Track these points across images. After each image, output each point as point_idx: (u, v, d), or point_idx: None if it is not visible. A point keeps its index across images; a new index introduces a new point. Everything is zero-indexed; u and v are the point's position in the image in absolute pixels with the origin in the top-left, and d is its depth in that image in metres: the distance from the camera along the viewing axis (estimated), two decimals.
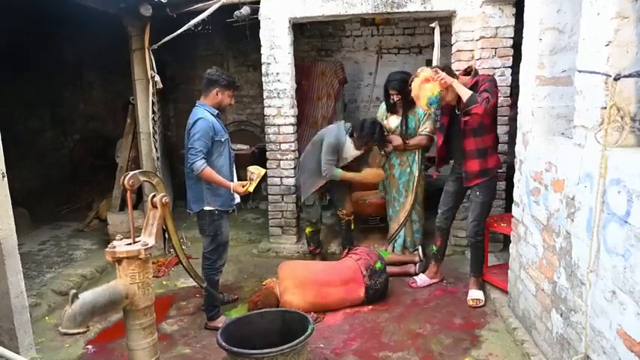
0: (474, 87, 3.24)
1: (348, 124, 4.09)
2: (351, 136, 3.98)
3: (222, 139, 3.16)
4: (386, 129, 4.16)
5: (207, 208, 3.16)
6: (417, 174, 4.10)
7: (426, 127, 4.00)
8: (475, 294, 3.51)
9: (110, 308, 2.02)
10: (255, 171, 3.14)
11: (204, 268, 3.27)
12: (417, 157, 4.10)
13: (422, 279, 3.87)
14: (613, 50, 1.89)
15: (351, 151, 4.00)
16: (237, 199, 3.32)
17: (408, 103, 3.95)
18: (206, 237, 3.25)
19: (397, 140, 4.05)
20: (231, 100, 3.27)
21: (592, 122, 2.04)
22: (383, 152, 4.22)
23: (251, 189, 3.13)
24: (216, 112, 3.17)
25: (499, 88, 4.06)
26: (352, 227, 4.36)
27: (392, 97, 4.01)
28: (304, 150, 4.34)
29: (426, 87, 3.21)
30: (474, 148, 3.32)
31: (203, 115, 3.07)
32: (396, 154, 4.15)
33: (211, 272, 3.27)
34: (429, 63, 3.62)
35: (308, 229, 4.31)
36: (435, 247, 3.84)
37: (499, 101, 4.09)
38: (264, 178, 3.33)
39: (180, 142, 6.60)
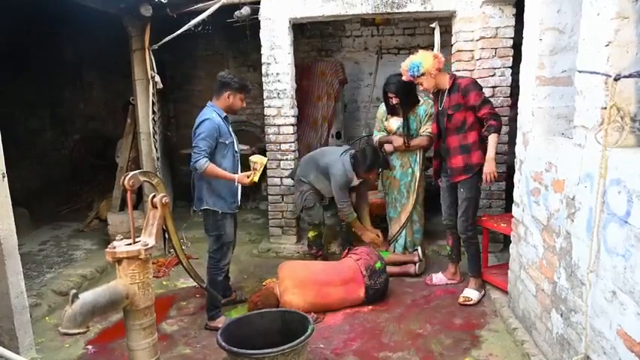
0: (452, 88, 3.39)
1: (347, 154, 4.03)
2: (353, 168, 3.96)
3: (227, 142, 3.20)
4: (387, 130, 4.17)
5: (207, 207, 3.19)
6: (418, 174, 4.10)
7: (427, 128, 3.99)
8: (467, 292, 3.54)
9: (110, 308, 2.03)
10: (258, 160, 3.16)
11: (209, 268, 3.30)
12: (418, 157, 4.09)
13: (438, 277, 3.89)
14: (613, 50, 1.89)
15: (355, 181, 4.03)
16: (238, 203, 3.35)
17: (407, 106, 3.98)
18: (210, 237, 3.29)
19: (398, 141, 4.05)
20: (243, 103, 3.32)
21: (592, 122, 2.04)
22: (384, 152, 4.22)
23: (256, 179, 3.15)
24: (225, 114, 3.21)
25: (499, 88, 4.11)
26: (353, 229, 4.36)
27: (390, 100, 4.01)
28: (302, 160, 4.34)
29: (418, 54, 3.40)
30: (457, 145, 3.43)
31: (210, 115, 3.12)
32: (397, 155, 4.15)
33: (215, 272, 3.29)
34: None
35: (311, 233, 4.31)
36: (448, 247, 3.86)
37: (499, 102, 4.12)
38: (265, 173, 3.35)
39: (180, 142, 6.66)
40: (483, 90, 4.02)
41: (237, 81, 3.21)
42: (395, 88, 3.92)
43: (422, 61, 3.33)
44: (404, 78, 3.51)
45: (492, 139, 3.29)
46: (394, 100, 3.98)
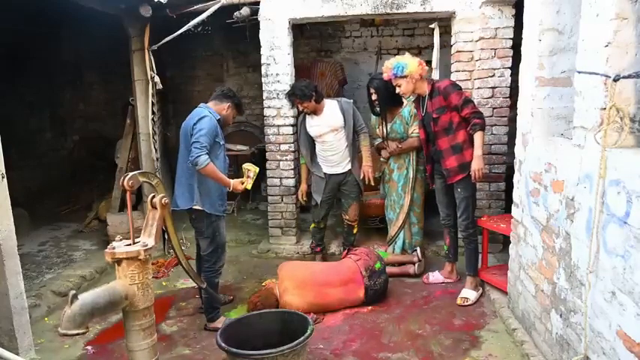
0: (432, 92, 3.45)
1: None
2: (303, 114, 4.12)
3: (221, 143, 3.20)
4: (380, 137, 4.22)
5: (199, 208, 3.14)
6: (412, 175, 4.12)
7: (415, 129, 4.02)
8: (465, 292, 3.56)
9: (110, 309, 2.02)
10: (251, 168, 3.21)
11: (205, 271, 3.25)
12: (412, 158, 4.12)
13: (435, 276, 3.92)
14: (612, 51, 1.89)
15: (310, 123, 4.05)
16: (226, 207, 3.36)
17: (384, 104, 4.02)
18: (204, 239, 3.23)
19: (392, 146, 4.12)
20: (232, 120, 3.50)
21: (591, 123, 2.04)
22: (382, 158, 4.26)
23: (249, 186, 3.21)
24: (219, 117, 3.20)
25: (498, 88, 4.12)
26: (355, 232, 4.37)
27: (371, 95, 4.05)
28: None
29: (404, 56, 3.44)
30: (448, 146, 3.47)
31: (209, 114, 3.11)
32: (394, 158, 4.19)
33: (211, 274, 3.25)
34: (428, 64, 3.66)
35: (312, 225, 4.40)
36: (445, 247, 3.89)
37: (498, 102, 4.12)
38: (259, 177, 3.40)
39: None
40: (481, 89, 4.09)
41: (239, 99, 3.39)
42: (376, 84, 3.98)
43: (407, 63, 3.36)
44: (384, 76, 3.54)
45: (478, 137, 3.33)
46: (373, 96, 4.03)
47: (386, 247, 4.35)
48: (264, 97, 4.53)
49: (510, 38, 4.01)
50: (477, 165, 3.32)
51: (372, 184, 4.16)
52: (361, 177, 4.10)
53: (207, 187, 3.14)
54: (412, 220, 4.23)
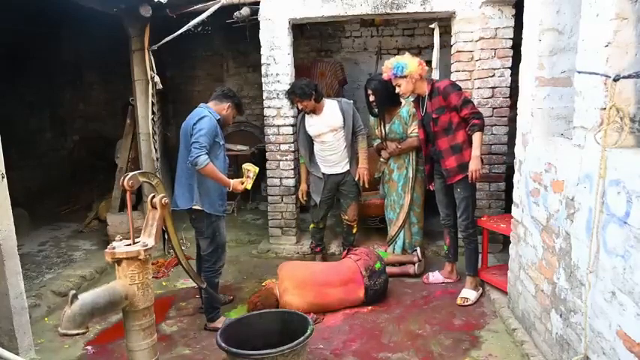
0: (432, 92, 3.45)
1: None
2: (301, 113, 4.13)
3: (221, 143, 3.20)
4: (379, 137, 4.22)
5: (199, 208, 3.14)
6: (411, 174, 4.13)
7: (414, 129, 4.02)
8: (465, 292, 3.56)
9: (110, 309, 2.02)
10: (251, 168, 3.21)
11: (205, 271, 3.26)
12: (411, 158, 4.12)
13: (435, 276, 3.93)
14: (612, 51, 1.89)
15: (309, 122, 4.05)
16: (226, 207, 3.36)
17: (382, 105, 4.03)
18: (205, 239, 3.23)
19: (391, 146, 4.12)
20: (232, 120, 3.50)
21: (591, 123, 2.04)
22: (382, 159, 4.25)
23: (249, 186, 3.21)
24: (219, 117, 3.20)
25: (498, 88, 4.12)
26: (354, 231, 4.37)
27: (369, 96, 4.05)
28: None
29: (404, 56, 3.44)
30: (447, 147, 3.47)
31: (209, 114, 3.12)
32: (394, 158, 4.19)
33: (211, 274, 3.26)
34: (428, 64, 3.66)
35: (311, 226, 4.40)
36: (445, 247, 3.90)
37: (498, 102, 4.13)
38: (259, 177, 3.40)
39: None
40: (481, 89, 4.10)
41: (239, 99, 3.39)
42: (374, 85, 3.97)
43: (407, 63, 3.37)
44: (384, 76, 3.53)
45: (477, 137, 3.34)
46: (371, 97, 4.03)
47: (386, 247, 4.35)
48: (264, 97, 4.53)
49: (510, 38, 4.01)
50: (474, 166, 3.33)
51: (367, 186, 4.15)
52: (356, 179, 4.11)
53: (206, 187, 3.13)
54: (412, 220, 4.23)
